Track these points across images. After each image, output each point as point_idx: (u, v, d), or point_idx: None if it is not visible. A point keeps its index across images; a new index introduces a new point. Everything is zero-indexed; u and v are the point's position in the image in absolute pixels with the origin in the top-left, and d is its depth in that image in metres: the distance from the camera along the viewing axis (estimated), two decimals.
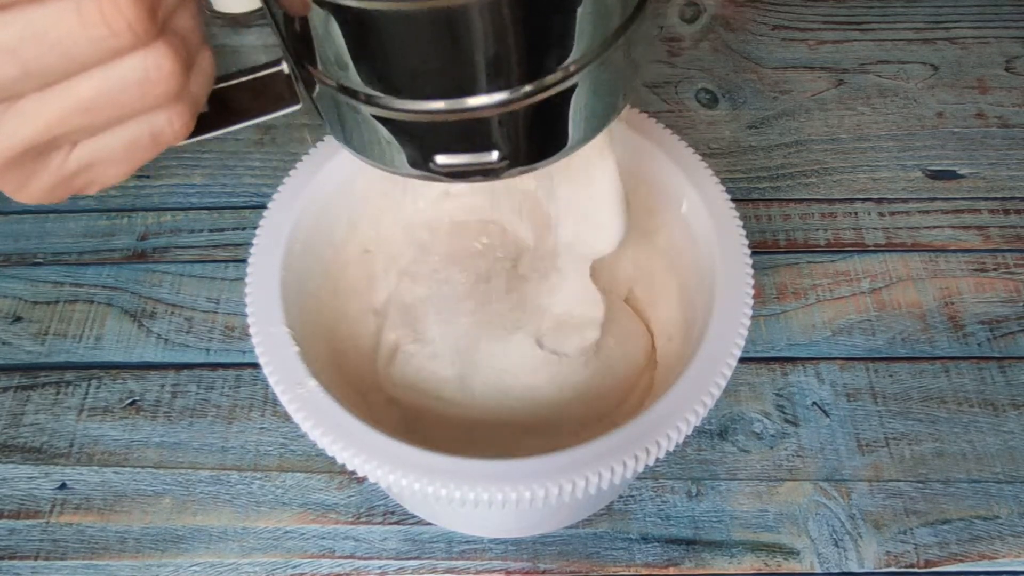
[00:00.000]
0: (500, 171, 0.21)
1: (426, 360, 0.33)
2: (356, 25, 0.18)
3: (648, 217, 0.34)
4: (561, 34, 0.19)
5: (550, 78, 0.19)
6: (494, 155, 0.21)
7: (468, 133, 0.20)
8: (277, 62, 0.23)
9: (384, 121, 0.21)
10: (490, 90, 0.19)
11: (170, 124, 0.18)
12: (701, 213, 0.32)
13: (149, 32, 0.16)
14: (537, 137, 0.21)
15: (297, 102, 0.23)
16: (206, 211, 0.47)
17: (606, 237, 0.29)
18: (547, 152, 0.22)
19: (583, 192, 0.29)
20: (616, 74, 0.21)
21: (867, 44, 0.54)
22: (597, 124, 0.22)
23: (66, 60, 0.16)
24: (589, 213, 0.29)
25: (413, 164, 0.22)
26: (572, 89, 0.20)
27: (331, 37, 0.19)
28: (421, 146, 0.21)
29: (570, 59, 0.19)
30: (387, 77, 0.19)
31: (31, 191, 0.19)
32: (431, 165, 0.21)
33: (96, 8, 0.15)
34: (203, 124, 0.22)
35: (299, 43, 0.21)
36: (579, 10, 0.18)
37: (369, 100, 0.20)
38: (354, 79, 0.20)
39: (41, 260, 0.45)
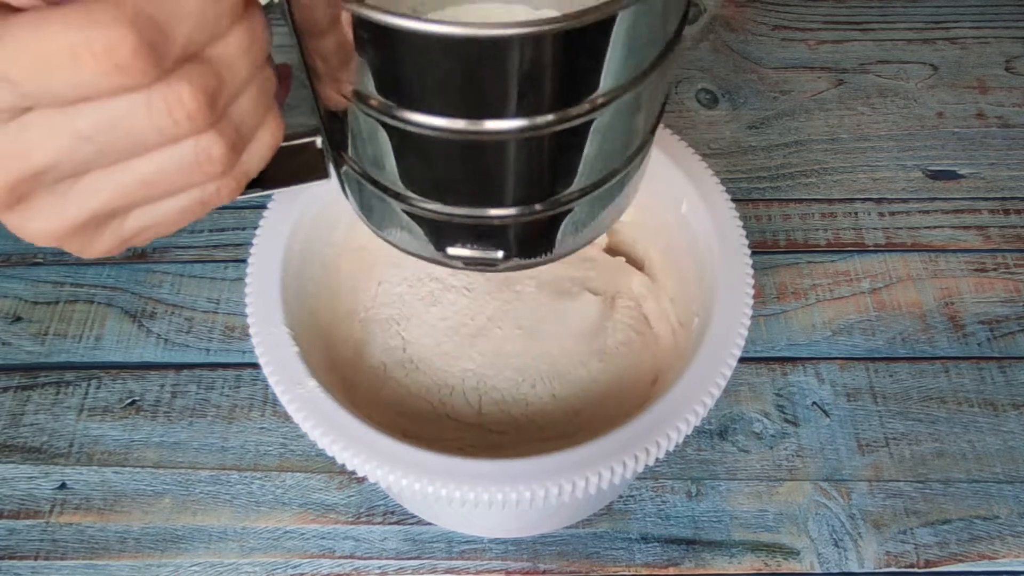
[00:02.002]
0: (499, 264, 0.24)
1: (415, 379, 0.33)
2: (397, 140, 0.21)
3: (648, 217, 0.34)
4: (571, 171, 0.22)
5: (558, 200, 0.22)
6: (500, 253, 0.24)
7: (482, 234, 0.23)
8: (313, 133, 0.24)
9: (407, 214, 0.23)
10: (510, 205, 0.22)
11: (218, 193, 0.20)
12: (701, 213, 0.32)
13: (208, 121, 0.18)
14: (539, 243, 0.24)
15: (327, 175, 0.25)
16: None
17: None
18: (543, 254, 0.25)
19: None
20: (615, 197, 0.24)
21: (867, 44, 0.54)
22: (591, 235, 0.25)
23: (132, 144, 0.18)
24: None
25: (426, 250, 0.24)
26: (570, 211, 0.23)
27: (368, 139, 0.21)
28: (438, 238, 0.24)
29: (574, 188, 0.22)
30: (418, 184, 0.22)
31: (92, 251, 0.21)
32: (442, 254, 0.24)
33: (163, 102, 0.17)
34: None
35: (337, 131, 0.23)
36: (587, 155, 0.21)
37: (396, 196, 0.23)
38: (386, 179, 0.22)
39: (41, 260, 0.45)
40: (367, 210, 0.25)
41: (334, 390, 0.28)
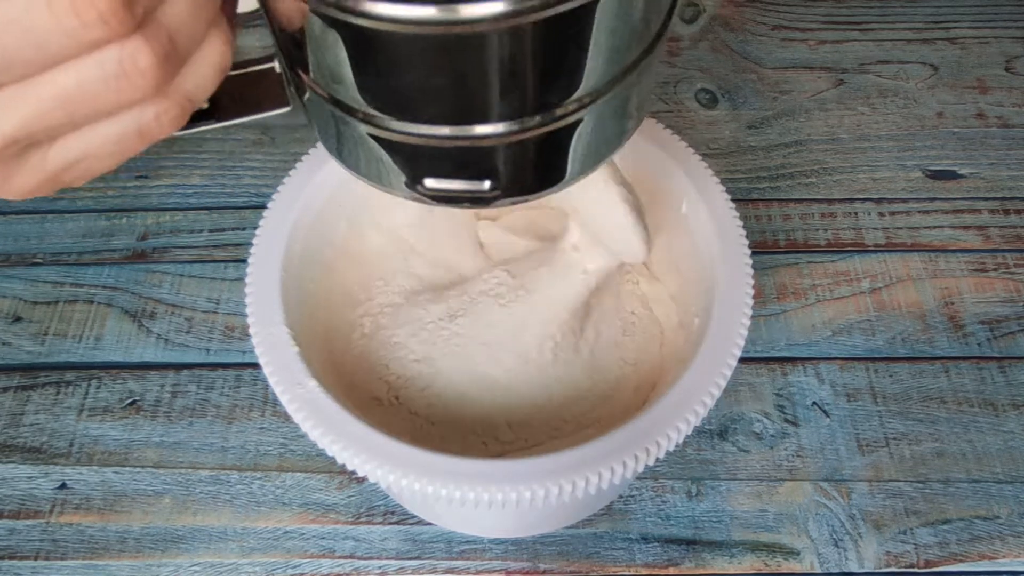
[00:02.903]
0: (489, 200, 0.21)
1: (414, 379, 0.33)
2: (358, 42, 0.18)
3: (648, 217, 0.34)
4: (573, 69, 0.18)
5: (557, 112, 0.19)
6: (486, 184, 0.20)
7: (464, 160, 0.20)
8: (269, 58, 0.22)
9: (377, 139, 0.20)
10: (495, 120, 0.19)
11: (157, 120, 0.18)
12: (701, 213, 0.32)
13: (125, 23, 0.15)
14: (533, 170, 0.21)
15: (287, 103, 0.22)
16: (206, 211, 0.47)
17: (632, 253, 0.29)
18: (540, 186, 0.21)
19: (596, 223, 0.29)
20: (621, 111, 0.21)
21: (867, 44, 0.54)
22: (594, 159, 0.22)
23: (39, 52, 0.15)
24: (607, 237, 0.29)
25: (401, 183, 0.21)
26: (576, 124, 0.20)
27: (329, 50, 0.18)
28: (413, 168, 0.21)
29: (578, 94, 0.19)
30: (386, 98, 0.19)
31: (14, 187, 0.18)
32: (419, 187, 0.21)
33: (67, 1, 0.15)
34: (191, 118, 0.20)
35: (294, 48, 0.20)
36: (593, 46, 0.18)
37: (364, 118, 0.20)
38: (350, 95, 0.19)
39: (41, 260, 0.45)
40: (334, 141, 0.22)
41: (334, 390, 0.28)
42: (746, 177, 0.48)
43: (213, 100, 0.20)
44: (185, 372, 0.41)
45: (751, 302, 0.29)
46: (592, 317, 0.34)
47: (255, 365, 0.28)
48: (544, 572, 0.35)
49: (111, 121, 0.18)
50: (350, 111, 0.20)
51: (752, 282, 0.30)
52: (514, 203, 0.22)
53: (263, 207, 0.31)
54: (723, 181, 0.32)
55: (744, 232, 0.31)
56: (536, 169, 0.21)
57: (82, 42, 0.15)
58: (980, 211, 0.46)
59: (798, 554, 0.36)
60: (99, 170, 0.19)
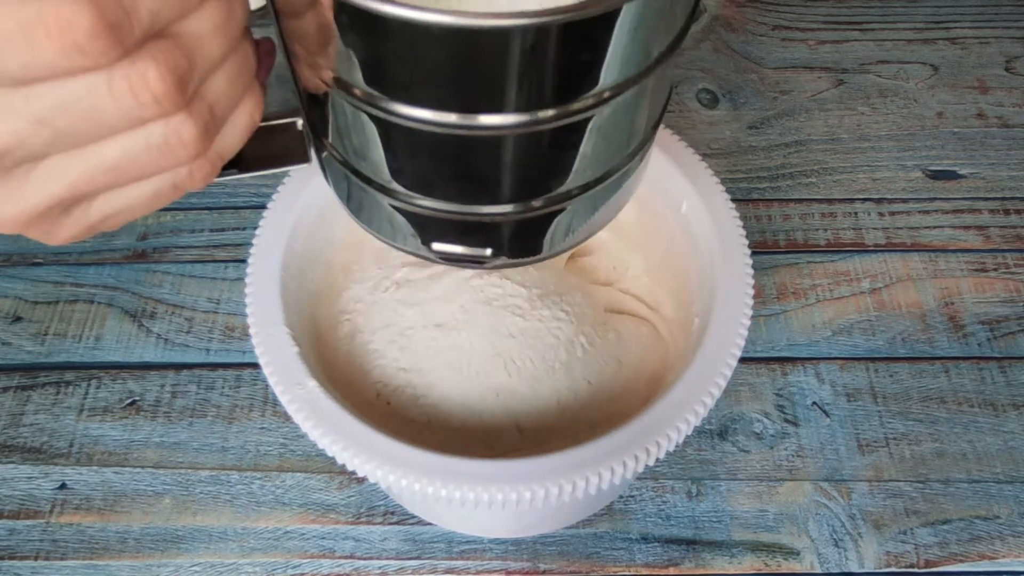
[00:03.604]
0: (488, 263, 0.23)
1: (413, 380, 0.33)
2: (381, 128, 0.19)
3: (648, 217, 0.34)
4: (569, 167, 0.21)
5: (554, 197, 0.21)
6: (488, 251, 0.23)
7: (470, 231, 0.22)
8: (294, 113, 0.23)
9: (391, 207, 0.22)
10: (502, 203, 0.21)
11: (191, 176, 0.19)
12: (701, 213, 0.32)
13: (177, 104, 0.17)
14: (531, 241, 0.23)
15: (307, 159, 0.24)
16: (206, 211, 0.47)
17: None
18: (535, 253, 0.24)
19: None
20: (608, 198, 0.23)
21: (867, 44, 0.54)
22: (584, 235, 0.24)
23: (94, 127, 0.16)
24: None
25: (409, 243, 0.23)
26: (568, 207, 0.22)
27: (353, 128, 0.20)
28: (422, 233, 0.22)
29: (572, 185, 0.21)
30: (404, 178, 0.21)
31: (57, 238, 0.19)
32: (426, 249, 0.23)
33: (126, 83, 0.16)
34: None
35: (317, 114, 0.21)
36: (586, 150, 0.20)
37: (381, 189, 0.21)
38: (370, 169, 0.21)
39: (41, 260, 0.45)
40: (348, 198, 0.23)
41: (334, 390, 0.28)
42: (746, 177, 0.48)
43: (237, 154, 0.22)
44: (185, 372, 0.41)
45: (751, 302, 0.29)
46: (600, 319, 0.34)
47: (255, 365, 0.28)
48: (544, 572, 0.35)
49: (151, 180, 0.19)
50: (367, 181, 0.22)
51: (752, 282, 0.30)
52: (508, 266, 0.24)
53: (263, 207, 0.31)
54: (723, 181, 0.32)
55: (744, 232, 0.31)
56: (533, 241, 0.23)
57: (134, 119, 0.17)
58: (980, 211, 0.46)
59: (798, 554, 0.36)
60: (135, 218, 0.20)
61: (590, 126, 0.19)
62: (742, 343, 0.28)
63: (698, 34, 0.55)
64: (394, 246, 0.24)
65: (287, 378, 0.27)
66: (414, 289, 0.33)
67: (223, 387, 0.40)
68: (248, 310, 0.29)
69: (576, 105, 0.18)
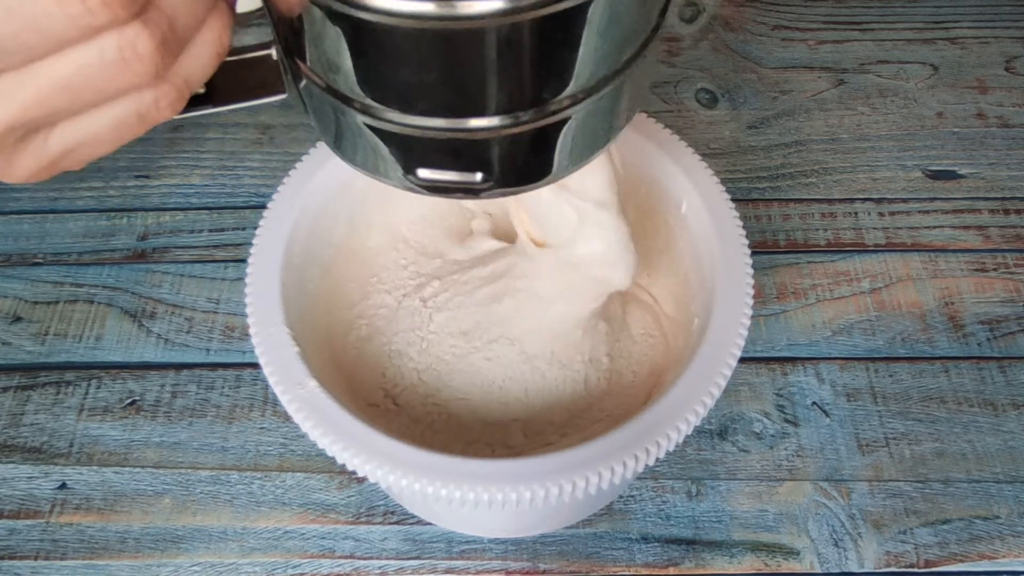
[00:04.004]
0: (481, 191, 0.21)
1: (411, 381, 0.33)
2: (356, 35, 0.18)
3: (648, 217, 0.34)
4: (565, 67, 0.19)
5: (548, 108, 0.19)
6: (479, 176, 0.21)
7: (457, 152, 0.20)
8: (267, 45, 0.22)
9: (373, 129, 0.20)
10: (489, 114, 0.19)
11: (156, 104, 0.18)
12: (701, 213, 0.32)
13: (127, 9, 0.16)
14: (525, 163, 0.21)
15: (284, 91, 0.23)
16: (206, 211, 0.47)
17: (618, 278, 0.28)
18: (532, 178, 0.22)
19: (576, 255, 0.28)
20: (611, 108, 0.21)
21: (867, 44, 0.54)
22: (584, 154, 0.22)
23: (41, 38, 0.16)
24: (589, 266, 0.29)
25: (395, 173, 0.22)
26: (567, 120, 0.20)
27: (327, 40, 0.19)
28: (407, 158, 0.21)
29: (570, 91, 0.19)
30: (383, 89, 0.19)
31: (15, 172, 0.18)
32: (412, 177, 0.21)
33: None
34: (189, 102, 0.21)
35: (291, 36, 0.20)
36: (584, 46, 0.18)
37: (361, 108, 0.20)
38: (347, 86, 0.20)
39: (41, 260, 0.45)
40: (329, 130, 0.22)
41: (335, 390, 0.28)
42: (746, 177, 0.48)
43: (210, 85, 0.20)
44: (185, 372, 0.41)
45: (751, 302, 0.29)
46: (600, 318, 0.34)
47: (255, 365, 0.28)
48: (544, 572, 0.35)
49: (111, 106, 0.18)
50: (347, 100, 0.20)
51: (752, 282, 0.30)
52: (504, 195, 0.22)
53: (263, 207, 0.31)
54: (723, 181, 0.32)
55: (744, 232, 0.31)
56: (527, 162, 0.21)
57: (83, 28, 0.16)
58: (980, 211, 0.46)
59: (798, 554, 0.36)
60: (99, 154, 0.19)
61: (584, 17, 0.18)
62: (742, 343, 0.28)
63: (697, 33, 0.55)
64: (380, 179, 0.22)
65: (287, 378, 0.27)
66: (449, 296, 0.33)
67: (223, 387, 0.40)
68: (248, 310, 0.29)
69: None
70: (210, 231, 0.46)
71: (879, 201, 0.47)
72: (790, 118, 0.51)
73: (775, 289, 0.43)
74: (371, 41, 0.18)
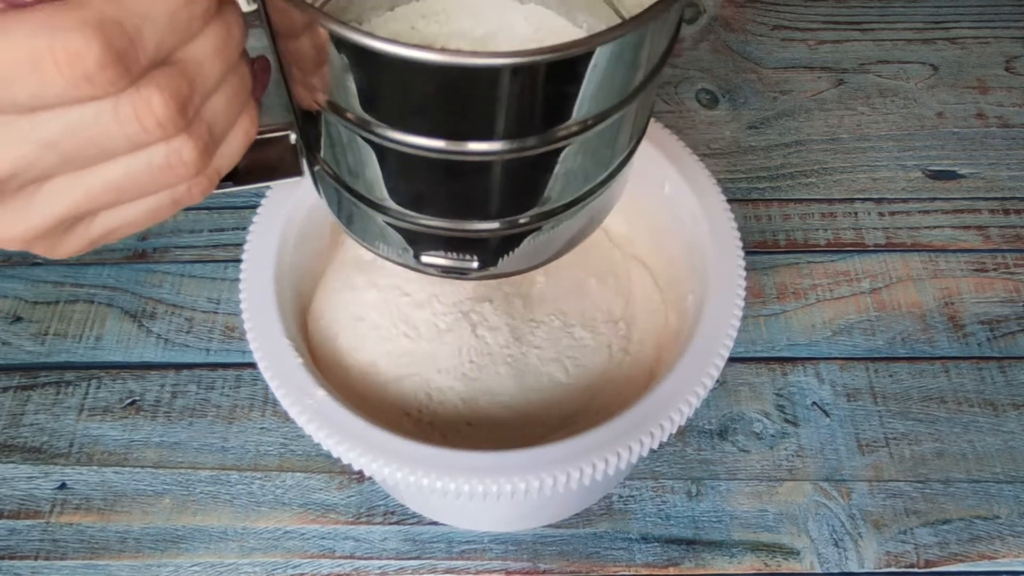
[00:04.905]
0: (473, 275, 0.24)
1: (410, 382, 0.33)
2: (375, 151, 0.20)
3: (632, 199, 0.35)
4: (553, 189, 0.22)
5: (540, 213, 0.22)
6: (474, 264, 0.24)
7: (458, 245, 0.23)
8: (287, 126, 0.24)
9: (384, 222, 0.23)
10: (489, 219, 0.22)
11: (189, 192, 0.20)
12: (684, 191, 0.32)
13: (179, 128, 0.17)
14: (516, 254, 0.24)
15: (300, 173, 0.25)
16: (206, 211, 0.47)
17: None
18: (519, 267, 0.25)
19: None
20: (593, 215, 0.25)
21: (867, 44, 0.54)
22: (567, 248, 0.25)
23: (99, 151, 0.17)
24: None
25: (398, 255, 0.24)
26: (552, 224, 0.23)
27: (346, 150, 0.21)
28: (412, 246, 0.23)
29: (551, 206, 0.22)
30: (395, 196, 0.22)
31: (58, 252, 0.20)
32: (415, 260, 0.24)
33: (132, 110, 0.16)
34: None
35: (310, 129, 0.22)
36: (568, 174, 0.21)
37: (372, 206, 0.22)
38: (363, 187, 0.22)
39: (41, 260, 0.45)
40: (340, 211, 0.24)
41: (339, 395, 0.28)
42: (746, 177, 0.48)
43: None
44: (185, 372, 0.41)
45: (744, 274, 0.29)
46: (608, 272, 0.34)
47: (255, 365, 0.28)
48: (544, 572, 0.35)
49: (151, 198, 0.19)
50: (360, 198, 0.22)
51: (742, 254, 0.30)
52: (493, 278, 0.25)
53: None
54: (723, 181, 0.32)
55: (728, 205, 0.31)
56: (518, 256, 0.24)
57: (138, 144, 0.17)
58: (980, 211, 0.46)
59: (798, 554, 0.36)
60: (134, 232, 0.21)
61: (572, 151, 0.20)
62: (734, 333, 0.28)
63: (697, 34, 0.55)
64: (384, 257, 0.25)
65: (296, 389, 0.27)
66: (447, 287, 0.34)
67: (223, 387, 0.40)
68: (246, 325, 0.29)
69: (558, 134, 0.20)
70: (210, 231, 0.46)
71: (879, 201, 0.47)
72: (790, 118, 0.51)
73: (775, 289, 0.43)
74: (386, 159, 0.20)
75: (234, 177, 0.22)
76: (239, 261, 0.30)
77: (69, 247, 0.20)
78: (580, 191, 0.23)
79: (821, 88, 0.52)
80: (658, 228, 0.34)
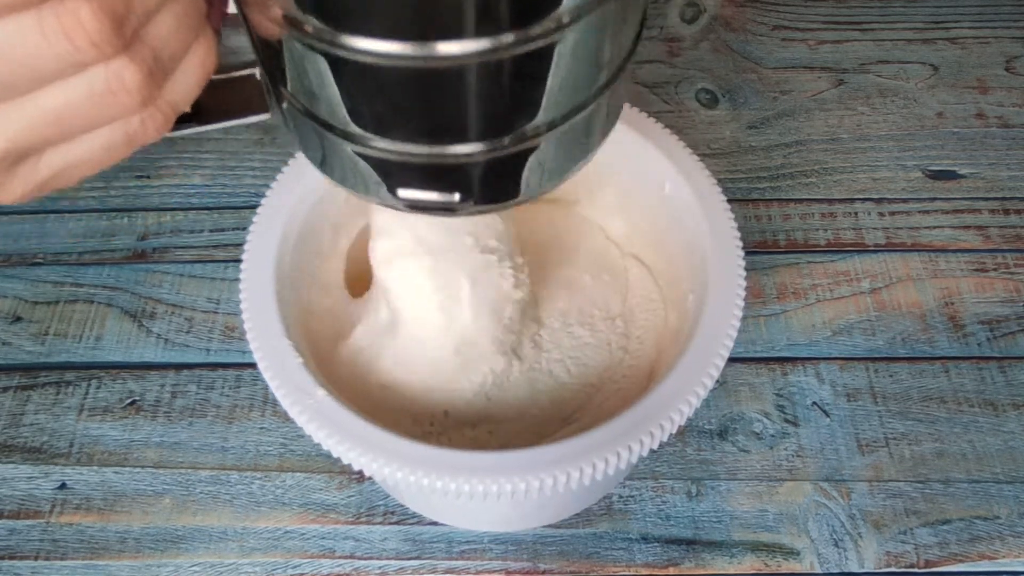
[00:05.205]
0: (459, 209, 0.22)
1: (410, 386, 0.33)
2: (336, 69, 0.18)
3: (630, 199, 0.35)
4: (537, 99, 0.20)
5: (525, 134, 0.20)
6: (457, 196, 0.22)
7: (438, 175, 0.21)
8: (251, 64, 0.22)
9: (355, 152, 0.21)
10: (466, 141, 0.20)
11: (143, 126, 0.18)
12: (683, 190, 0.32)
13: (114, 46, 0.16)
14: (499, 184, 0.22)
15: (267, 110, 0.23)
16: (206, 211, 0.47)
17: None
18: (506, 197, 0.23)
19: None
20: (581, 135, 0.22)
21: (867, 44, 0.54)
22: (558, 177, 0.23)
23: (30, 74, 0.16)
24: None
25: (376, 192, 0.22)
26: (538, 147, 0.21)
27: (308, 72, 0.19)
28: (388, 179, 0.22)
29: (539, 120, 0.20)
30: (365, 119, 0.20)
31: (5, 195, 0.19)
32: (393, 196, 0.22)
33: (58, 24, 0.15)
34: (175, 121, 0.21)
35: (273, 62, 0.21)
36: (554, 80, 0.19)
37: (343, 135, 0.20)
38: (328, 113, 0.20)
39: (41, 260, 0.45)
40: (311, 149, 0.23)
41: (340, 394, 0.28)
42: (746, 177, 0.48)
43: (196, 104, 0.21)
44: (185, 372, 0.41)
45: (744, 274, 0.29)
46: (603, 269, 0.34)
47: (255, 365, 0.28)
48: (544, 572, 0.35)
49: (100, 131, 0.18)
50: (328, 127, 0.21)
51: (742, 254, 0.30)
52: (481, 212, 0.23)
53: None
54: (723, 181, 0.32)
55: (728, 205, 0.31)
56: (504, 183, 0.22)
57: (72, 64, 0.16)
58: (980, 211, 0.46)
59: (798, 554, 0.36)
60: (88, 174, 0.19)
61: (554, 54, 0.18)
62: (734, 333, 0.28)
63: (697, 34, 0.55)
64: (362, 196, 0.23)
65: (296, 389, 0.27)
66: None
67: (223, 387, 0.40)
68: (246, 326, 0.29)
69: (537, 29, 0.18)
70: (210, 231, 0.46)
71: (879, 201, 0.47)
72: (790, 118, 0.51)
73: (775, 289, 0.43)
74: (351, 76, 0.19)
75: (197, 117, 0.21)
76: (239, 261, 0.30)
77: (17, 188, 0.19)
78: (564, 109, 0.21)
79: (821, 88, 0.52)
80: (658, 228, 0.34)
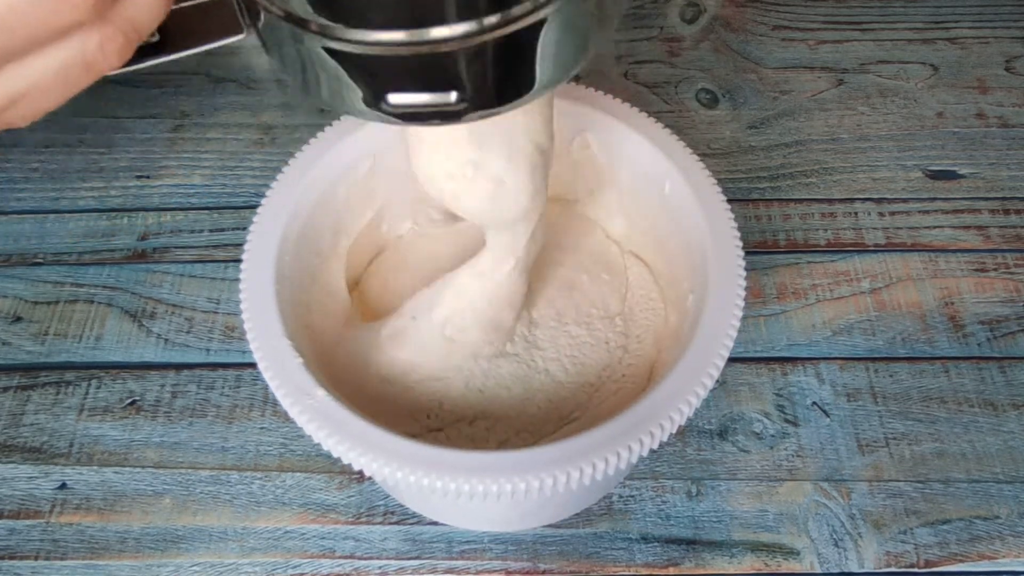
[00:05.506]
0: (459, 114, 0.20)
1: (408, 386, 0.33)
2: None
3: (631, 197, 0.35)
4: None
5: (518, 9, 0.18)
6: (452, 96, 0.19)
7: (425, 70, 0.19)
8: None
9: (332, 54, 0.19)
10: (453, 21, 0.18)
11: (101, 49, 0.17)
12: (683, 190, 0.32)
13: None
14: (501, 77, 0.20)
15: (240, 31, 0.22)
16: (206, 211, 0.47)
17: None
18: (511, 94, 0.20)
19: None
20: (587, 12, 0.20)
21: (867, 44, 0.54)
22: (566, 66, 0.21)
23: None
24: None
25: (364, 103, 0.20)
26: (541, 24, 0.19)
27: None
28: (373, 83, 0.20)
29: None
30: (337, 3, 0.18)
31: None
32: (384, 105, 0.20)
33: None
34: (142, 52, 0.20)
35: None
36: None
37: (319, 30, 0.19)
38: (300, 5, 0.18)
39: (41, 260, 0.45)
40: (294, 67, 0.21)
41: (339, 389, 0.28)
42: (746, 177, 0.48)
43: (163, 33, 0.20)
44: (185, 372, 0.41)
45: (744, 274, 0.29)
46: (602, 268, 0.34)
47: (255, 365, 0.28)
48: (544, 572, 0.35)
49: (53, 50, 0.17)
50: (303, 24, 0.19)
51: (742, 254, 0.30)
52: (484, 116, 0.21)
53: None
54: (723, 181, 0.32)
55: (728, 205, 0.31)
56: (503, 77, 0.20)
57: None
58: (980, 211, 0.46)
59: (798, 554, 0.36)
60: (46, 106, 0.18)
61: None
62: (734, 333, 0.28)
63: (697, 34, 0.55)
64: (352, 113, 0.21)
65: (295, 390, 0.27)
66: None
67: (223, 387, 0.40)
68: (246, 326, 0.29)
69: None
70: (210, 231, 0.46)
71: (879, 201, 0.47)
72: (790, 118, 0.51)
73: (775, 289, 0.43)
74: None
75: (166, 46, 0.20)
76: (239, 261, 0.30)
77: None
78: None
79: (821, 88, 0.52)
80: (658, 228, 0.34)
